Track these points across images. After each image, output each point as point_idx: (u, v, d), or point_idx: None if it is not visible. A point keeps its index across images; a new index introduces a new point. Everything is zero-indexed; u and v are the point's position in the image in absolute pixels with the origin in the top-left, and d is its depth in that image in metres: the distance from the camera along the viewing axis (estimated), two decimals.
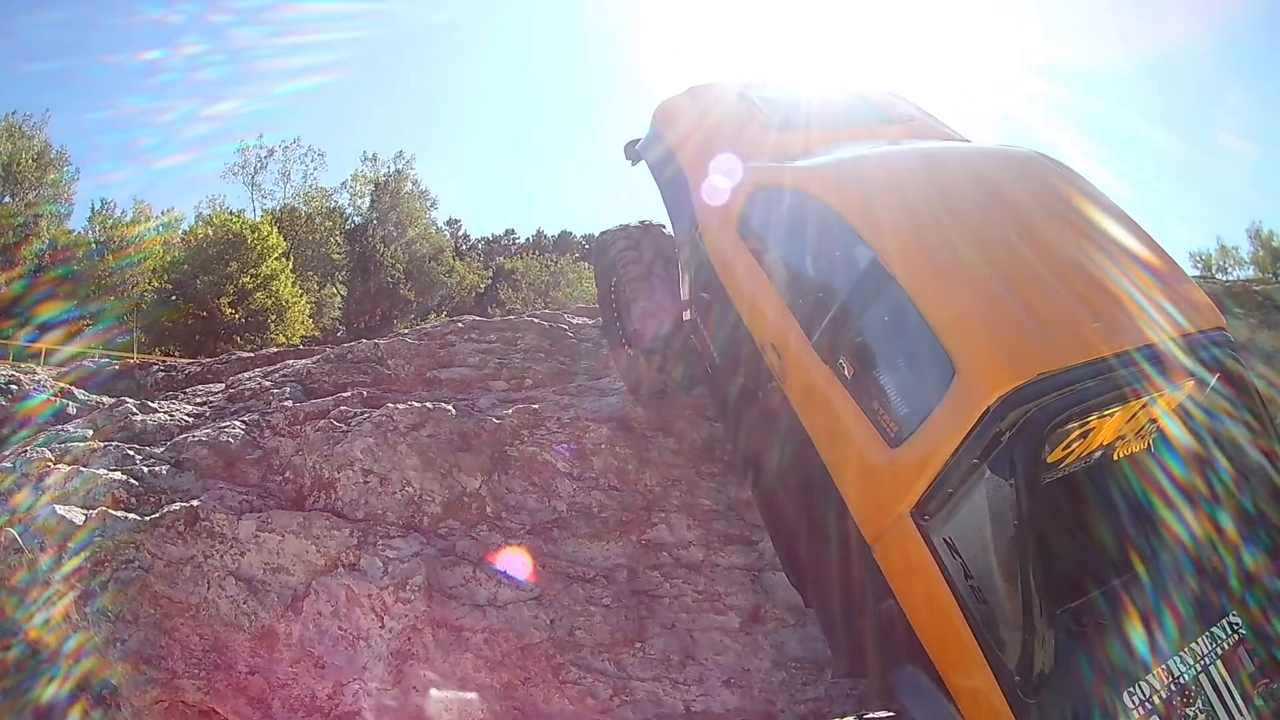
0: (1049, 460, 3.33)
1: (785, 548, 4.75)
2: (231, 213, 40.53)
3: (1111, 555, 3.66)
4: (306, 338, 37.42)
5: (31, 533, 5.05)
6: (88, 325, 32.15)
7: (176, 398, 7.75)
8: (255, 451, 5.98)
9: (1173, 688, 3.37)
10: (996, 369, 3.34)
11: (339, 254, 45.09)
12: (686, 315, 5.71)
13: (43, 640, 4.94)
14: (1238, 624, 3.67)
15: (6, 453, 6.19)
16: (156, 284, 35.20)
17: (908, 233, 3.99)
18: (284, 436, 6.10)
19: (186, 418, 6.86)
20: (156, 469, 5.74)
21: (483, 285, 50.20)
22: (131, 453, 5.98)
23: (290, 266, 38.10)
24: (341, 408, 6.37)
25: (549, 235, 59.71)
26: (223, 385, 7.93)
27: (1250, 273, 45.17)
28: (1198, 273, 44.25)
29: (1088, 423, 3.36)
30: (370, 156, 49.34)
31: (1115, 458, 3.73)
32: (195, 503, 5.26)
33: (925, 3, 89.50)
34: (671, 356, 5.83)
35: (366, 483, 5.55)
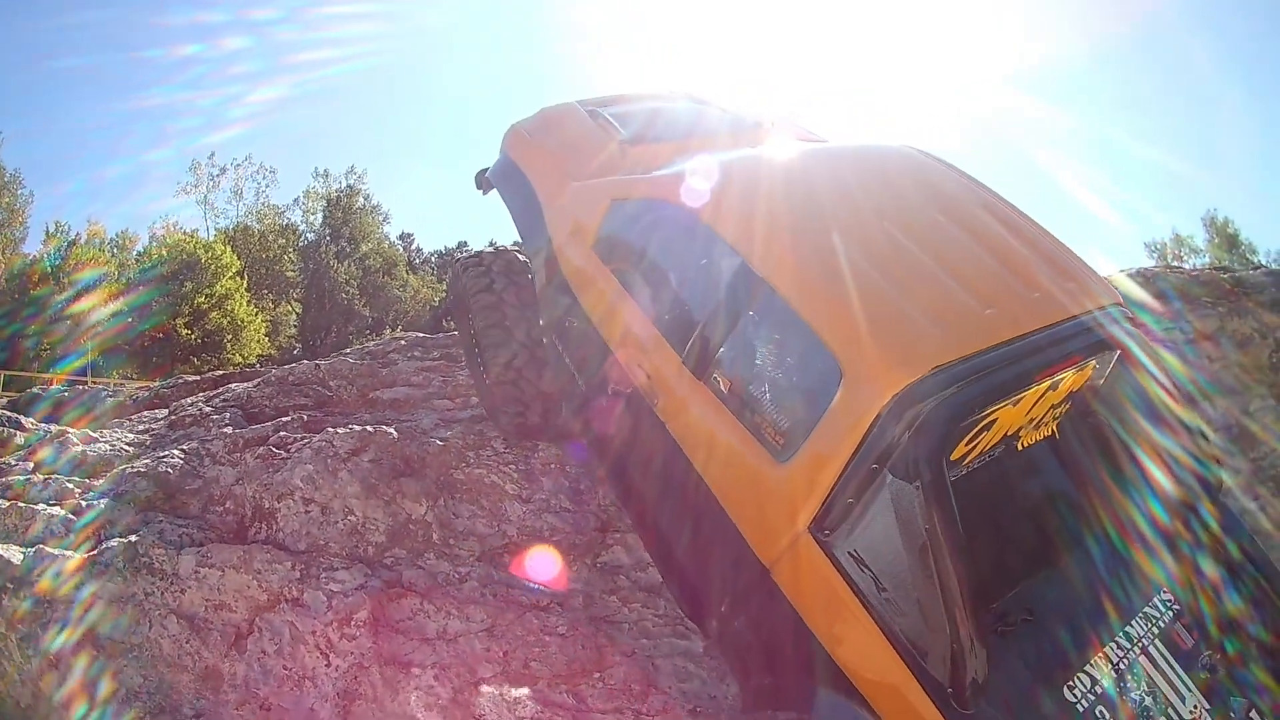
0: (952, 458, 3.21)
1: (677, 582, 4.53)
2: (185, 233, 40.38)
3: (1030, 548, 3.57)
4: (263, 356, 37.30)
5: None
6: (46, 351, 31.79)
7: (121, 425, 7.54)
8: (195, 481, 5.75)
9: (1113, 674, 3.27)
10: (887, 367, 3.21)
11: (293, 271, 44.98)
12: (545, 341, 5.54)
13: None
14: (1170, 600, 3.59)
15: None
16: (111, 306, 34.92)
17: (777, 233, 3.85)
18: (224, 465, 5.88)
19: (127, 447, 6.65)
20: (96, 502, 5.53)
21: (437, 298, 50.20)
22: (71, 485, 5.76)
23: (245, 285, 38.08)
24: (281, 433, 6.17)
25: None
26: (167, 411, 7.73)
27: (1206, 260, 45.80)
28: (1153, 262, 44.85)
29: (990, 414, 3.25)
30: (322, 172, 49.46)
31: (1019, 448, 3.63)
32: (134, 538, 5.02)
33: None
34: (529, 387, 5.62)
35: (308, 512, 5.34)
